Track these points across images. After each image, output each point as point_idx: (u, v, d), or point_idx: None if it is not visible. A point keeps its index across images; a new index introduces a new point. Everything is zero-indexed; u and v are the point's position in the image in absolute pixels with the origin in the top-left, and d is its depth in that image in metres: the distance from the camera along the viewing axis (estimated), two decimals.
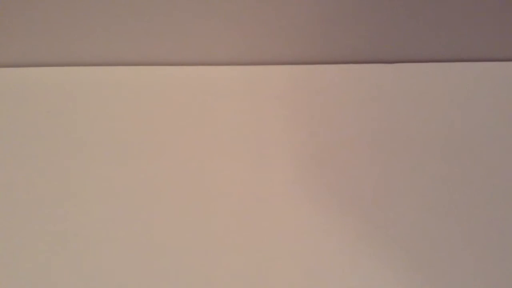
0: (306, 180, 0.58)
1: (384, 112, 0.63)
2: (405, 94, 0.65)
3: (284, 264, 0.54)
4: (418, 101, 0.64)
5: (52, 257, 0.53)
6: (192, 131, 0.62)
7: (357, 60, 0.68)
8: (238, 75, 0.66)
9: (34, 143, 0.60)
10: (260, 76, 0.66)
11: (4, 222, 0.55)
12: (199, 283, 0.53)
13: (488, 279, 0.53)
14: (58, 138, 0.61)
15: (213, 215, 0.56)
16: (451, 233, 0.55)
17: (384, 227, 0.55)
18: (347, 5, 0.63)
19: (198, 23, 0.64)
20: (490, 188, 0.58)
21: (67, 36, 0.65)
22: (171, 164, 0.59)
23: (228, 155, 0.60)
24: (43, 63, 0.67)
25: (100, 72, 0.66)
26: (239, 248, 0.54)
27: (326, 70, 0.67)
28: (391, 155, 0.60)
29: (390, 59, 0.68)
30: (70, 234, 0.55)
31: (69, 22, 0.63)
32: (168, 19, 0.64)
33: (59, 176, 0.58)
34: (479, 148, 0.61)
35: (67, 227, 0.55)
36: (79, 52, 0.66)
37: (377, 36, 0.66)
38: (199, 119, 0.63)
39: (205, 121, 0.63)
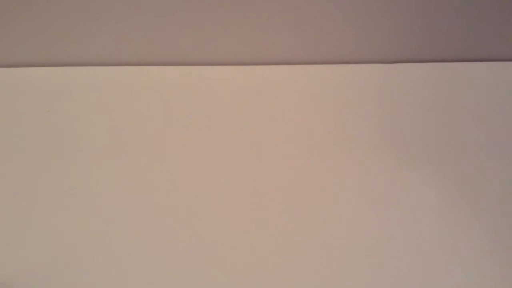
0: (306, 179, 0.58)
1: (384, 112, 0.63)
2: (405, 94, 0.65)
3: (284, 264, 0.53)
4: (418, 101, 0.64)
5: (52, 255, 0.53)
6: (192, 130, 0.62)
7: (357, 60, 0.68)
8: (238, 75, 0.66)
9: (34, 143, 0.60)
10: (260, 76, 0.66)
11: (3, 220, 0.55)
12: (199, 283, 0.52)
13: None
14: (58, 137, 0.61)
15: (213, 215, 0.56)
16: (447, 235, 0.56)
17: (380, 226, 0.55)
18: (347, 6, 0.63)
19: (198, 23, 0.64)
20: (489, 184, 0.58)
21: (66, 36, 0.65)
22: (171, 163, 0.59)
23: (228, 153, 0.60)
24: (43, 63, 0.67)
25: (100, 72, 0.66)
26: (238, 248, 0.54)
27: (326, 70, 0.67)
28: (391, 154, 0.60)
29: (390, 59, 0.68)
30: (69, 232, 0.55)
31: (69, 22, 0.63)
32: (168, 19, 0.64)
33: (58, 175, 0.58)
34: (479, 147, 0.61)
35: (66, 226, 0.55)
36: (79, 52, 0.66)
37: (377, 36, 0.66)
38: (199, 118, 0.63)
39: (205, 120, 0.63)
